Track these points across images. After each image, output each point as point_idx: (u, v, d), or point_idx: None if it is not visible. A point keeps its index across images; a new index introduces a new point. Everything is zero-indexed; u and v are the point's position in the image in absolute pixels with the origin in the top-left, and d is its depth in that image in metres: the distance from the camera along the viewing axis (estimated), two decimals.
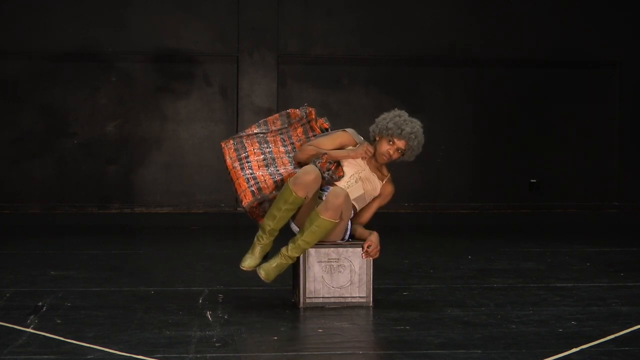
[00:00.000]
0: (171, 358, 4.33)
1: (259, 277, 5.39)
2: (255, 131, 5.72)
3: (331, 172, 5.53)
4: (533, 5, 11.74)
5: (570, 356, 4.41)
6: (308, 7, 11.51)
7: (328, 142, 5.60)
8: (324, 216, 5.26)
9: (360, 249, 5.51)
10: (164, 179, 11.41)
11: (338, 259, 5.51)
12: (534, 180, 11.81)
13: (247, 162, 5.60)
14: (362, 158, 5.62)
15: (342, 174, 5.58)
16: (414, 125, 5.55)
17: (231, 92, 11.46)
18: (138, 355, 4.35)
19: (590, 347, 4.57)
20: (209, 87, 11.48)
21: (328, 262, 5.50)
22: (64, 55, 11.22)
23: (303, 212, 5.43)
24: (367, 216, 5.71)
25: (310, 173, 5.31)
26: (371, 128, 5.64)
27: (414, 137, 5.53)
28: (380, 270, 6.44)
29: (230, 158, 5.63)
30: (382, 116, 5.63)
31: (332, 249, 5.49)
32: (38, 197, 11.21)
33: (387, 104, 11.58)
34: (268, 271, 5.38)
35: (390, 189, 5.71)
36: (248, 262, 5.44)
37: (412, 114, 5.69)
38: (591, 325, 5.06)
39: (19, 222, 10.35)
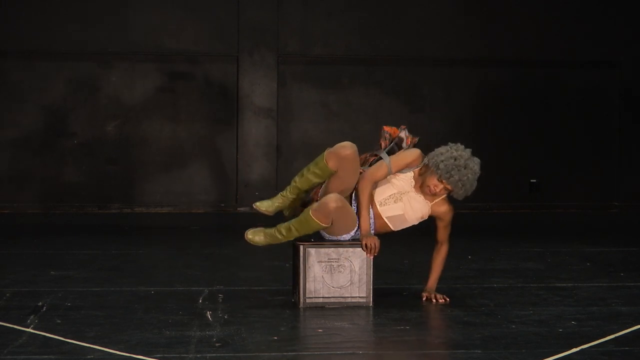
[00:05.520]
0: (171, 358, 4.33)
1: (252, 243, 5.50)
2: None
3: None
4: (533, 5, 11.73)
5: (570, 356, 4.41)
6: (308, 7, 11.51)
7: (399, 160, 5.52)
8: (314, 216, 5.32)
9: (360, 249, 5.51)
10: (164, 179, 11.40)
11: (338, 259, 5.51)
12: (534, 180, 11.80)
13: None
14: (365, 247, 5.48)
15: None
16: (466, 173, 5.34)
17: (231, 92, 11.46)
18: (138, 355, 4.35)
19: (590, 347, 4.57)
20: (209, 87, 11.48)
21: (328, 262, 5.50)
22: (64, 55, 11.21)
23: (332, 184, 5.45)
24: (441, 236, 5.72)
25: (347, 148, 5.35)
26: (428, 155, 5.49)
27: (461, 185, 5.37)
28: (380, 270, 6.43)
29: None
30: (440, 150, 5.44)
31: (332, 249, 5.49)
32: (38, 197, 11.21)
33: (387, 104, 11.67)
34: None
35: (444, 208, 5.58)
36: (262, 203, 5.55)
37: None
38: (591, 325, 5.06)
39: (19, 222, 10.35)
